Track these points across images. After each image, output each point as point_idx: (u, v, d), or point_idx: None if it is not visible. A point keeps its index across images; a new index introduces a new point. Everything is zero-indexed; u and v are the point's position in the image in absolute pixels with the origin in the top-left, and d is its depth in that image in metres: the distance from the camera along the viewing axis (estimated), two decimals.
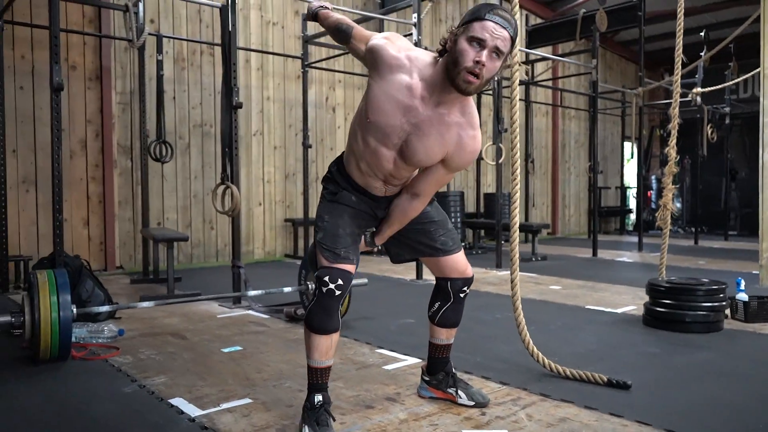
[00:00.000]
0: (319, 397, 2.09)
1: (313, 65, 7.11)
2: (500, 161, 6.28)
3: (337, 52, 7.30)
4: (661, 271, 4.03)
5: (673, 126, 4.06)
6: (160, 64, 5.88)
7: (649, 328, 3.60)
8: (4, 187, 5.22)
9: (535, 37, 9.13)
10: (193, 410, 2.29)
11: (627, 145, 12.19)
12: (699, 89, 8.30)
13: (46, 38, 5.76)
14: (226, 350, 3.15)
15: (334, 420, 2.09)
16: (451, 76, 1.84)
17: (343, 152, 2.19)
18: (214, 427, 2.13)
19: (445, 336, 2.38)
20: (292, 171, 7.53)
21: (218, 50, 6.32)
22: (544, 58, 8.81)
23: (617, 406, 2.30)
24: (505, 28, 1.81)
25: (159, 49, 5.88)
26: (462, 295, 2.32)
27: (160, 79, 5.89)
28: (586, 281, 5.46)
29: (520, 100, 9.36)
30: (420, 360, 2.88)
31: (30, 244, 5.73)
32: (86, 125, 6.11)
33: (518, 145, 2.86)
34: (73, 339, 3.29)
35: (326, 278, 2.04)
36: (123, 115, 6.30)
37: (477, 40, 1.80)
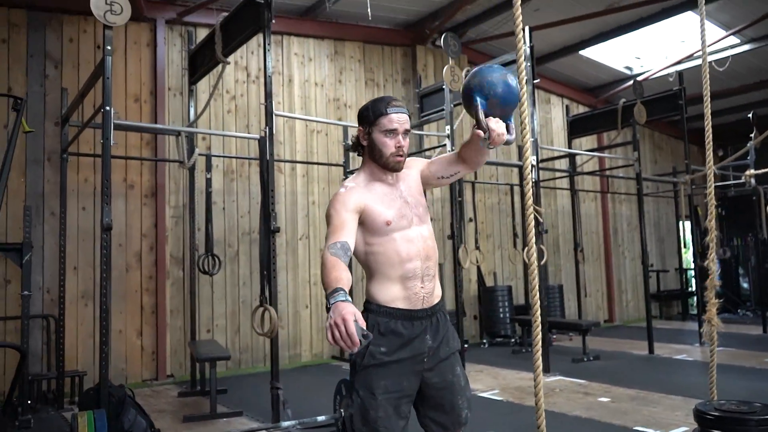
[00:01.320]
0: None
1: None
2: (543, 262, 6.22)
3: None
4: (711, 392, 3.82)
5: (710, 224, 3.91)
6: (209, 182, 6.23)
7: None
8: (64, 302, 5.55)
9: (576, 127, 9.20)
10: None
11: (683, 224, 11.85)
12: (752, 171, 8.08)
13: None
14: None
15: None
16: (383, 164, 2.19)
17: (366, 303, 2.20)
18: None
19: None
20: None
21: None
22: (576, 154, 8.82)
23: None
24: (403, 113, 2.19)
25: (208, 168, 6.25)
26: None
27: (208, 195, 6.23)
28: (638, 390, 5.22)
29: (566, 189, 9.33)
30: None
31: (86, 356, 5.99)
32: (141, 239, 6.46)
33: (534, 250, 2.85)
34: None
35: None
36: (176, 227, 6.64)
37: (390, 131, 2.16)
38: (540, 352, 2.73)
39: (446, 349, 2.23)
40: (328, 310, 1.77)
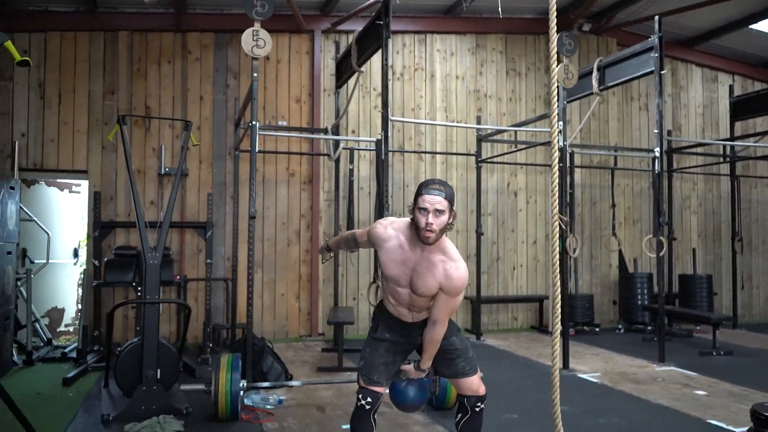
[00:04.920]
0: None
1: (487, 161, 7.88)
2: (661, 254, 6.25)
3: (511, 148, 7.98)
4: None
5: None
6: (351, 172, 7.24)
7: None
8: (236, 269, 6.95)
9: (740, 110, 8.66)
10: None
11: None
12: None
13: (273, 156, 7.53)
14: (344, 426, 4.03)
15: None
16: (417, 235, 2.65)
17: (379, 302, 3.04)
18: None
19: None
20: (473, 253, 8.26)
21: (407, 150, 7.52)
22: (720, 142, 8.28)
23: None
24: (438, 195, 2.60)
25: (351, 160, 7.24)
26: (477, 409, 2.92)
27: (350, 183, 7.23)
28: (744, 388, 5.18)
29: (727, 175, 8.84)
30: None
31: (257, 313, 7.39)
32: (300, 219, 7.71)
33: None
34: (250, 403, 4.52)
35: (360, 396, 2.84)
36: (328, 209, 7.78)
37: (422, 209, 2.60)
38: (558, 342, 3.20)
39: None
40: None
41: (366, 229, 2.94)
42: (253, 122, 4.99)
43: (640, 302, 8.30)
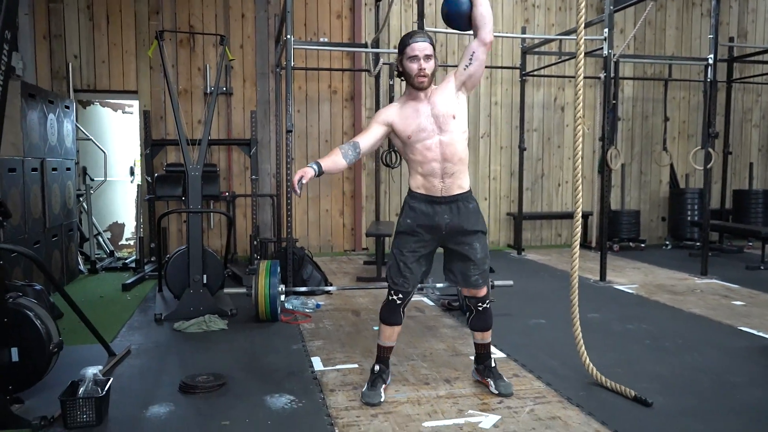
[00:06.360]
0: (377, 367, 3.07)
1: (531, 74, 7.66)
2: (708, 166, 6.05)
3: (553, 59, 7.71)
4: None
5: None
6: (391, 87, 7.20)
7: None
8: (282, 186, 7.17)
9: None
10: (318, 366, 3.47)
11: None
12: None
13: (316, 74, 7.57)
14: (375, 328, 4.26)
15: (386, 383, 3.05)
16: (412, 84, 2.82)
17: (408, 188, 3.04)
18: (320, 379, 3.27)
19: (480, 337, 3.11)
20: (516, 169, 8.19)
21: (449, 64, 7.39)
22: None
23: (618, 419, 2.74)
24: (424, 41, 2.78)
25: (391, 76, 7.20)
26: (480, 309, 3.03)
27: (391, 99, 7.20)
28: None
29: None
30: (508, 356, 3.60)
31: (301, 227, 7.68)
32: (343, 137, 7.80)
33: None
34: (290, 306, 4.80)
35: (392, 292, 2.99)
36: None
37: (413, 57, 2.77)
38: (577, 254, 3.25)
39: (466, 226, 2.93)
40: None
41: (370, 128, 2.91)
42: (288, 36, 5.02)
43: (690, 218, 8.12)
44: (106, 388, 2.73)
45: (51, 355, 2.91)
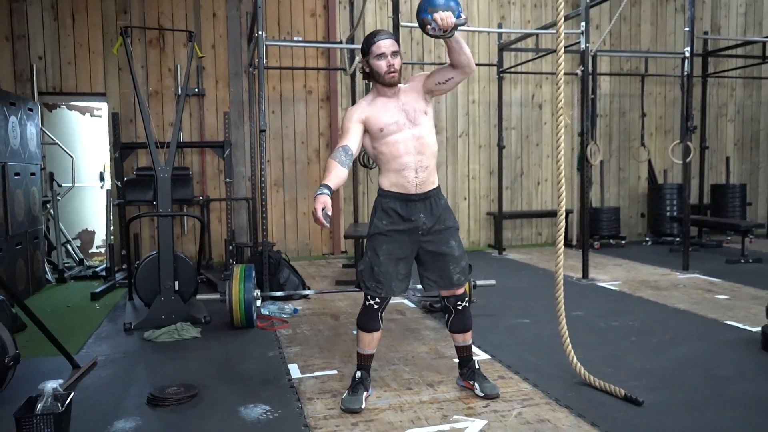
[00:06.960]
0: (359, 374, 2.92)
1: (508, 71, 7.59)
2: (687, 160, 6.02)
3: (530, 56, 7.65)
4: None
5: None
6: (367, 87, 7.05)
7: (764, 353, 3.52)
8: (264, 189, 6.98)
9: None
10: (296, 374, 3.32)
11: None
12: None
13: (290, 74, 7.43)
14: (354, 332, 4.11)
15: (367, 391, 2.90)
16: (381, 81, 2.75)
17: (378, 189, 2.88)
18: (297, 387, 3.12)
19: (461, 339, 2.99)
20: (496, 167, 8.11)
21: (426, 62, 7.27)
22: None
23: (608, 420, 2.64)
24: (389, 38, 2.75)
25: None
26: (459, 308, 2.91)
27: None
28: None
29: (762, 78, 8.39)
30: (492, 357, 3.48)
31: (277, 231, 7.51)
32: (319, 137, 7.65)
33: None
34: (266, 312, 4.64)
35: (368, 297, 2.85)
36: None
37: (380, 55, 2.71)
38: (562, 251, 3.15)
39: (440, 225, 2.83)
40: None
41: (343, 128, 2.81)
42: (259, 32, 4.86)
43: (668, 214, 8.11)
44: (66, 403, 2.54)
45: (6, 368, 2.73)
